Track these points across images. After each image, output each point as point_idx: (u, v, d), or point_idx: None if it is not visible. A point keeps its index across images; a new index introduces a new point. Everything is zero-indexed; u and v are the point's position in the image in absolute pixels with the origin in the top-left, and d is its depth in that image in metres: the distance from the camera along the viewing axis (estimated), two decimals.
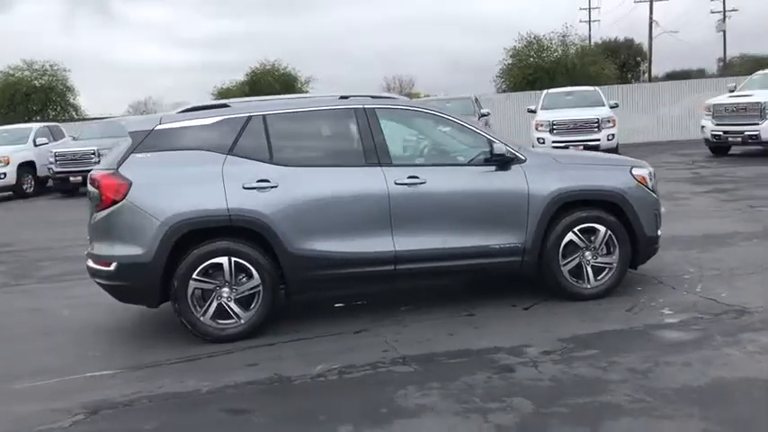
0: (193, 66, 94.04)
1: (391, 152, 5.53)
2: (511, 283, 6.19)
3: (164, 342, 5.30)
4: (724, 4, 52.64)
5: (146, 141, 5.23)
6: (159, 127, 5.30)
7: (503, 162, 5.60)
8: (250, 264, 5.17)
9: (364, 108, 5.54)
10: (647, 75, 47.17)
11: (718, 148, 16.17)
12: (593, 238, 5.73)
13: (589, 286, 5.76)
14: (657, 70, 48.96)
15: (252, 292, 5.21)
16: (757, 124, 15.01)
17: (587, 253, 5.74)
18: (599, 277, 5.78)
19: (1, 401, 4.38)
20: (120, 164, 5.17)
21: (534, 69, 38.17)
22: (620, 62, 45.66)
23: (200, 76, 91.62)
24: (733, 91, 16.65)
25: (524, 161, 5.67)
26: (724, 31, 52.92)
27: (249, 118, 5.39)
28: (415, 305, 5.84)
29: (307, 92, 42.04)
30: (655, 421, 3.52)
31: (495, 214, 5.58)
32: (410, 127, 5.92)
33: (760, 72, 17.88)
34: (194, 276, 5.11)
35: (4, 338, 5.79)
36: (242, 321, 5.22)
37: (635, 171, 5.93)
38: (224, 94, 43.53)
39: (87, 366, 4.90)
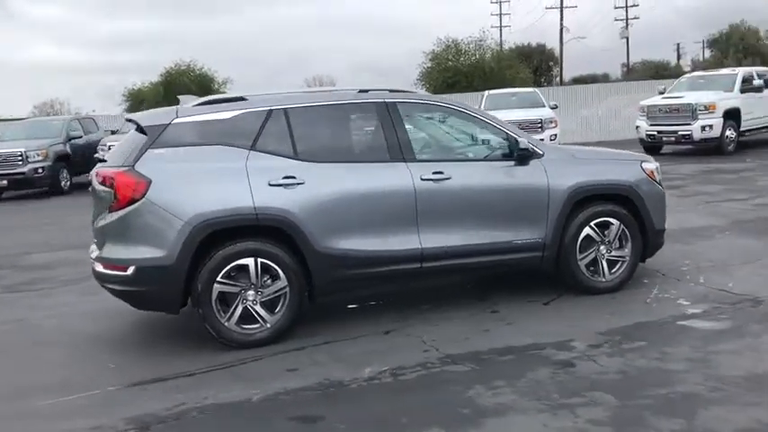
0: (100, 66, 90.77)
1: (414, 147, 5.41)
2: (518, 278, 6.16)
3: (179, 350, 4.98)
4: (626, 12, 55.45)
5: (162, 136, 4.90)
6: (177, 121, 4.97)
7: (524, 157, 5.56)
8: (277, 265, 4.93)
9: (385, 102, 5.39)
10: (558, 78, 48.82)
11: (652, 147, 16.83)
12: (606, 232, 5.79)
13: (604, 280, 5.81)
14: (567, 74, 50.78)
15: (277, 294, 4.97)
16: (689, 124, 15.75)
17: (602, 247, 5.79)
18: (613, 271, 5.84)
19: (34, 420, 3.99)
20: (136, 160, 4.81)
21: (453, 73, 38.98)
22: (534, 66, 47.07)
23: (108, 76, 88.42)
24: (662, 93, 17.38)
25: (542, 156, 5.66)
26: (627, 38, 55.60)
27: (270, 112, 5.14)
28: (435, 304, 5.73)
29: (224, 92, 41.30)
30: (746, 408, 3.54)
31: (517, 210, 5.55)
32: (430, 121, 5.80)
33: (686, 75, 18.82)
34: (219, 279, 4.83)
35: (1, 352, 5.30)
36: (268, 326, 4.96)
37: (644, 165, 6.03)
38: (135, 95, 42.17)
39: (110, 379, 4.53)
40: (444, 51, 41.19)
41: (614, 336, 4.78)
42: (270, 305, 4.97)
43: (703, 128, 15.58)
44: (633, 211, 5.86)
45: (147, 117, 5.07)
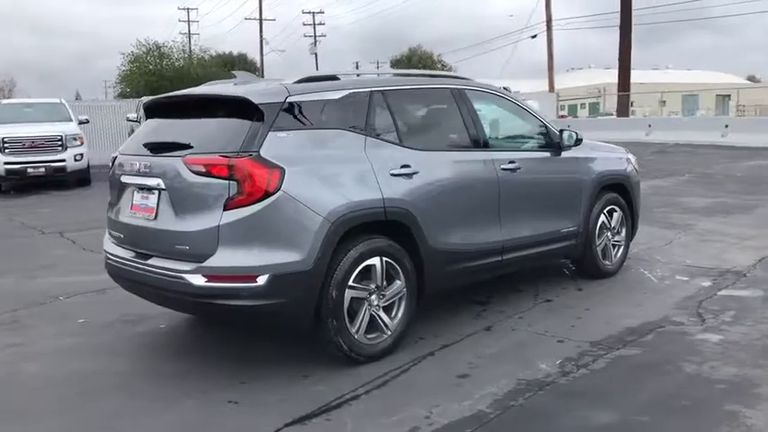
0: None
1: (489, 136, 5.25)
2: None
3: (283, 373, 4.15)
4: (314, 30, 58.27)
5: (279, 117, 4.06)
6: (290, 99, 4.15)
7: (563, 148, 5.71)
8: (397, 264, 4.40)
9: (458, 89, 5.14)
10: None
11: None
12: (610, 218, 6.20)
13: (610, 263, 6.23)
14: None
15: (395, 297, 4.44)
16: None
17: (608, 233, 6.20)
18: (615, 254, 6.29)
19: None
20: (259, 145, 3.91)
21: (158, 77, 37.51)
22: None
23: None
24: None
25: (571, 147, 5.86)
26: (315, 54, 58.41)
27: (371, 93, 4.56)
28: (481, 300, 5.56)
29: None
30: None
31: (565, 199, 5.70)
32: (488, 110, 5.61)
33: None
34: (350, 283, 4.16)
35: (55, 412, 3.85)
36: (389, 332, 4.41)
37: (629, 156, 6.60)
38: None
39: (258, 420, 3.59)
40: (146, 54, 39.34)
41: (691, 309, 5.16)
42: (388, 310, 4.42)
43: None
44: (626, 199, 6.37)
45: (256, 93, 4.10)
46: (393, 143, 4.52)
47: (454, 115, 5.03)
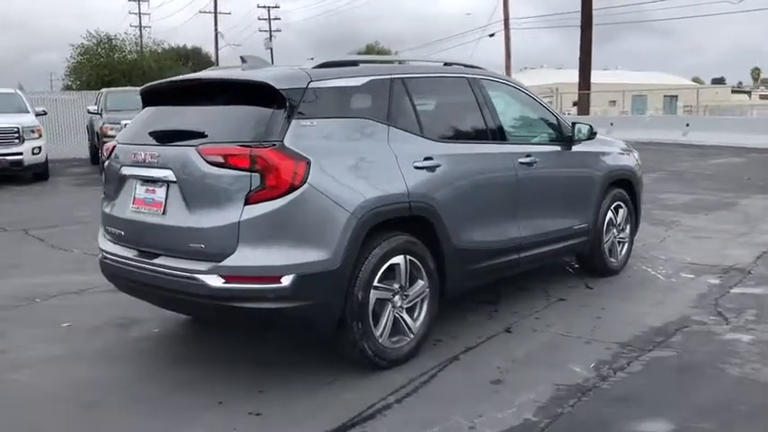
0: None
1: (505, 128, 5.02)
2: None
3: (297, 382, 3.85)
4: (270, 24, 57.52)
5: (302, 103, 3.75)
6: (313, 85, 3.83)
7: (576, 141, 5.52)
8: (420, 263, 4.14)
9: (475, 78, 4.90)
10: None
11: None
12: (616, 214, 6.05)
13: (615, 261, 6.08)
14: None
15: (418, 298, 4.18)
16: None
17: (614, 230, 6.04)
18: (620, 252, 6.14)
19: None
20: (282, 134, 3.60)
21: (110, 70, 36.57)
22: (192, 69, 45.99)
23: None
24: None
25: (581, 141, 5.67)
26: (271, 49, 57.65)
27: (392, 81, 4.28)
28: (489, 300, 5.33)
29: None
30: None
31: (576, 195, 5.52)
32: (502, 101, 5.36)
33: None
34: (375, 284, 3.88)
35: None
36: (412, 335, 4.14)
37: (633, 151, 6.45)
38: None
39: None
40: (96, 46, 38.22)
41: (709, 307, 5.04)
42: (411, 311, 4.16)
43: None
44: (630, 195, 6.22)
45: (276, 78, 3.75)
46: (415, 134, 4.25)
47: (471, 106, 4.79)
